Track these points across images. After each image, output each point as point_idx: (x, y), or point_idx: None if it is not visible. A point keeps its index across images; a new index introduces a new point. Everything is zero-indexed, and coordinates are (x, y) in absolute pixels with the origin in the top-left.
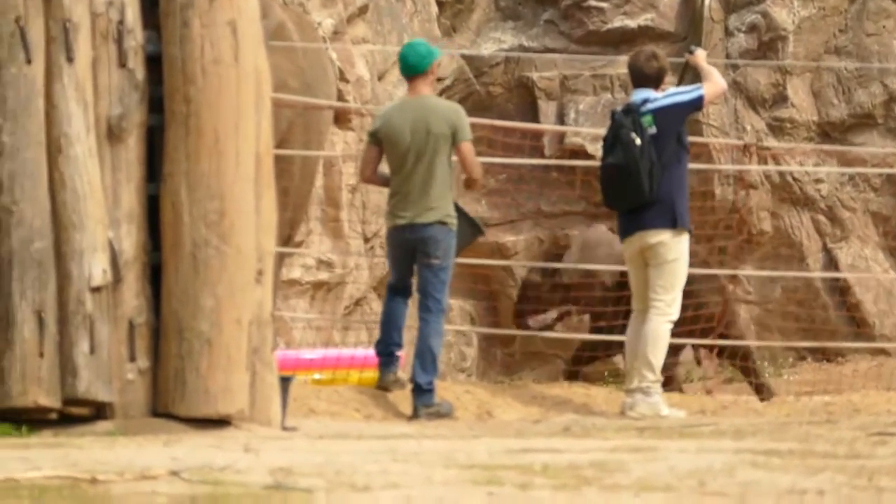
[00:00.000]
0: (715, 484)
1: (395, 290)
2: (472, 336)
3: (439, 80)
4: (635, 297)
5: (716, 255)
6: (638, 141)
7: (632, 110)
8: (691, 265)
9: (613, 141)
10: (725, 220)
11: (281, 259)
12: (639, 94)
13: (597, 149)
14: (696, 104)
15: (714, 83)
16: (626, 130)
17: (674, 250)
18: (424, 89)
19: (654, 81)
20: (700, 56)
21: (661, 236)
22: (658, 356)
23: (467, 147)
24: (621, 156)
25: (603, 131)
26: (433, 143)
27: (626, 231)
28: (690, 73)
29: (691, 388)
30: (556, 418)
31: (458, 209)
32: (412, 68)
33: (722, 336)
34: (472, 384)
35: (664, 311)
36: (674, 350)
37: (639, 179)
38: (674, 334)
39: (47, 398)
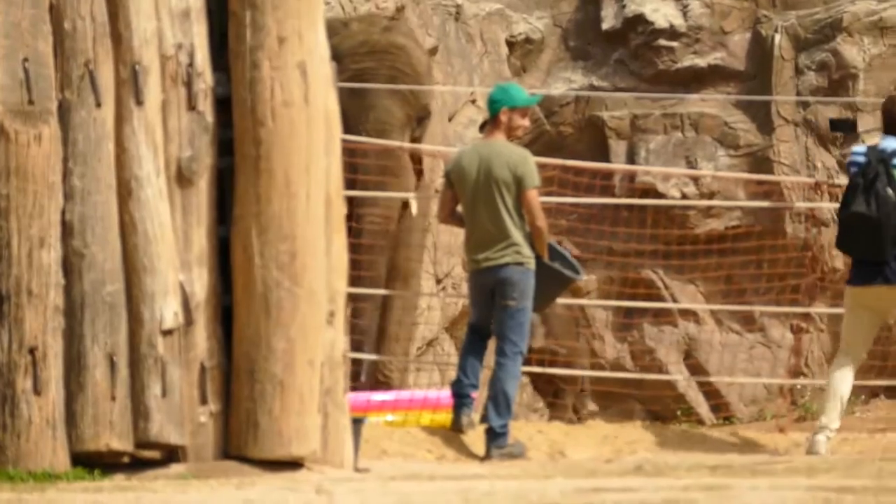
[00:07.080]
0: None
1: (475, 331)
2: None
3: None
4: (855, 345)
5: (788, 294)
6: (893, 195)
7: (884, 159)
8: None
9: (867, 188)
10: (797, 258)
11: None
12: (890, 142)
13: (667, 188)
14: None
15: None
16: (882, 182)
17: None
18: (495, 134)
19: None
20: None
21: None
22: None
23: (531, 195)
24: (874, 207)
25: (674, 170)
26: (495, 187)
27: (865, 278)
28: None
29: (764, 427)
30: (629, 457)
31: (555, 251)
32: (488, 111)
33: None
34: (544, 424)
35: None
36: None
37: (887, 234)
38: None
39: (119, 442)
